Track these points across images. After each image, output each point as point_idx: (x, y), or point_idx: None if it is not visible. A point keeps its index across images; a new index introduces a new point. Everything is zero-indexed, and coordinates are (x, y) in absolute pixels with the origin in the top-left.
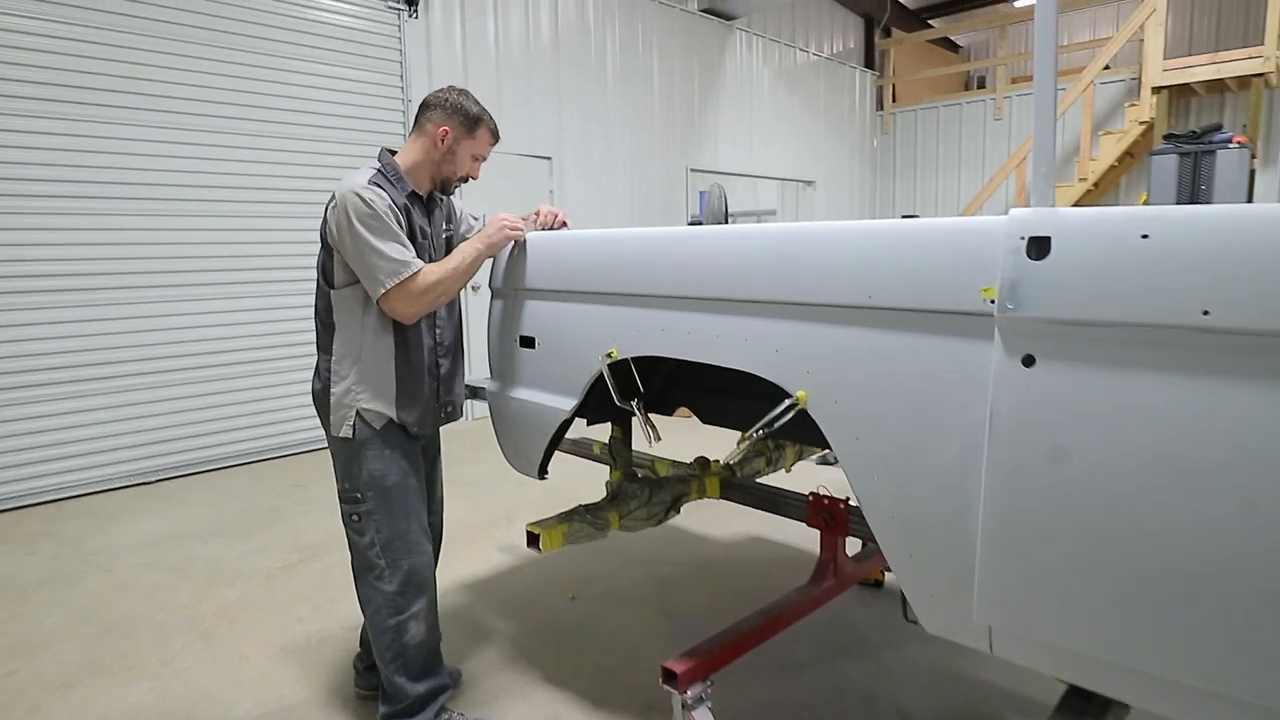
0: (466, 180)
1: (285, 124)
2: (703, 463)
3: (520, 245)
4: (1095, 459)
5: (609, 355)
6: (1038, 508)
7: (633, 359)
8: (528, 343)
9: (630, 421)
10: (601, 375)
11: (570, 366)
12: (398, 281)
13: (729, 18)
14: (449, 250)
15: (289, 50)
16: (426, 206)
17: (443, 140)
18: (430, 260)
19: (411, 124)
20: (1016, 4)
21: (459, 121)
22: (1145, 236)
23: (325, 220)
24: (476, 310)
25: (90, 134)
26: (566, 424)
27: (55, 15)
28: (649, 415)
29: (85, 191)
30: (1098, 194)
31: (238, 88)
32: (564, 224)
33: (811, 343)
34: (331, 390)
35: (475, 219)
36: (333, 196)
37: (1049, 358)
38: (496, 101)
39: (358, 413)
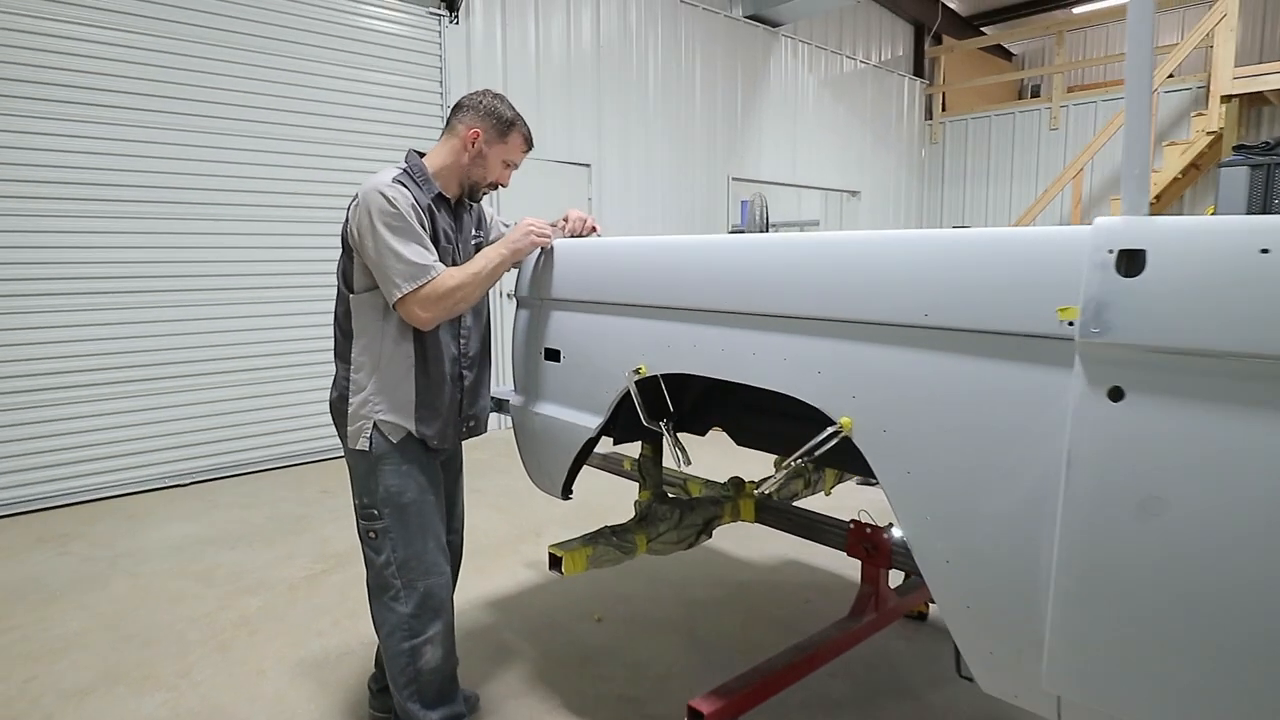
0: (496, 187)
1: (324, 129)
2: (737, 484)
3: (547, 252)
4: (1196, 512)
5: (637, 371)
6: (1125, 565)
7: (663, 376)
8: (552, 356)
9: (661, 440)
10: (629, 392)
11: (596, 382)
12: (415, 286)
13: (774, 24)
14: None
15: (328, 55)
16: (454, 211)
17: (473, 143)
18: (449, 250)
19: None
20: (1076, 10)
21: (491, 125)
22: (1265, 251)
23: (347, 220)
24: (509, 317)
25: (133, 139)
26: (592, 442)
27: (100, 21)
28: (679, 436)
29: (126, 195)
30: (1159, 207)
31: (277, 93)
32: (594, 230)
33: (859, 364)
34: (349, 400)
35: (507, 226)
36: (356, 196)
37: (1141, 391)
38: (536, 107)
39: (375, 425)
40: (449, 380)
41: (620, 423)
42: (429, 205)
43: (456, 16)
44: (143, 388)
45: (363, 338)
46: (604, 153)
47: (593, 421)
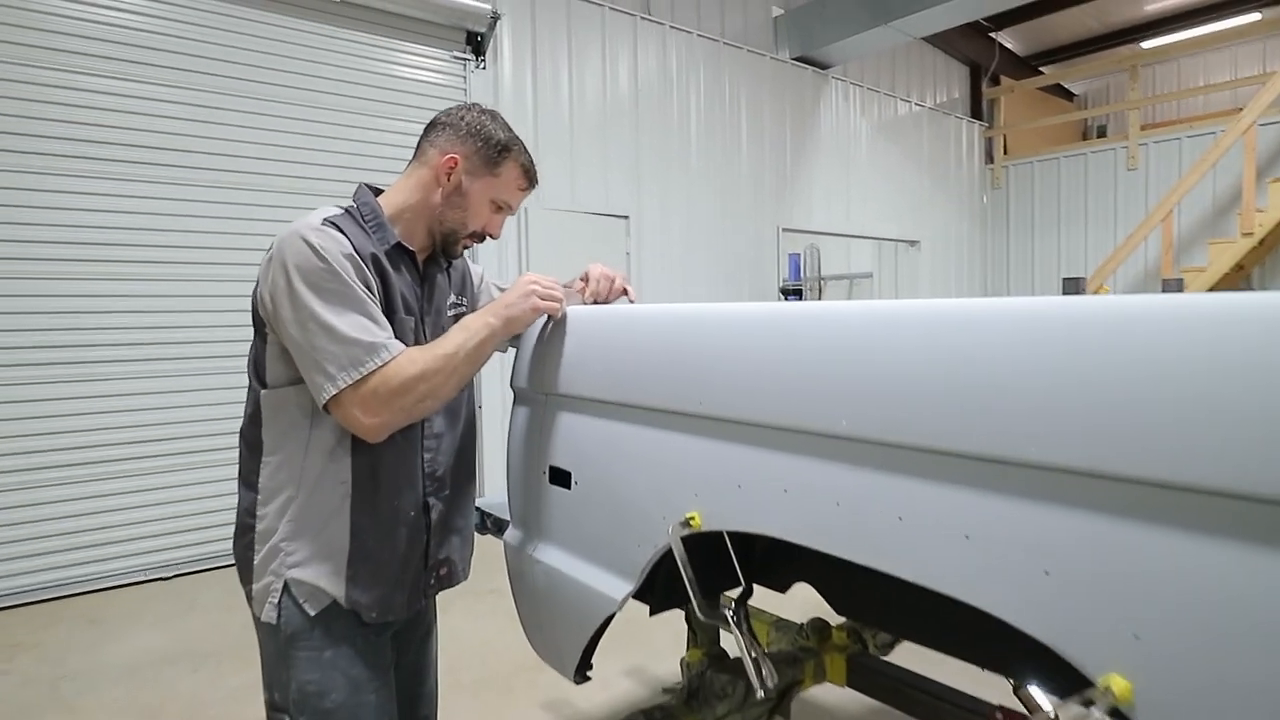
0: (483, 239)
1: (341, 181)
2: (819, 628)
3: (556, 323)
4: None
5: (687, 523)
6: None
7: (731, 533)
8: (561, 478)
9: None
10: (671, 552)
11: (623, 527)
12: (356, 378)
13: (823, 66)
14: None
15: (344, 104)
16: (421, 270)
17: (448, 174)
18: (415, 320)
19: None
20: (1145, 45)
21: (475, 149)
22: None
23: (257, 284)
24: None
25: (143, 195)
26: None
27: (130, 74)
28: (754, 637)
29: (114, 255)
30: (1263, 251)
31: (289, 143)
32: (625, 293)
33: (1145, 570)
34: (253, 548)
35: (501, 290)
36: (270, 248)
37: None
38: (569, 156)
39: (286, 587)
40: (405, 518)
41: (660, 582)
42: (377, 257)
43: (483, 61)
44: (121, 468)
45: (277, 453)
46: (643, 204)
47: (618, 588)
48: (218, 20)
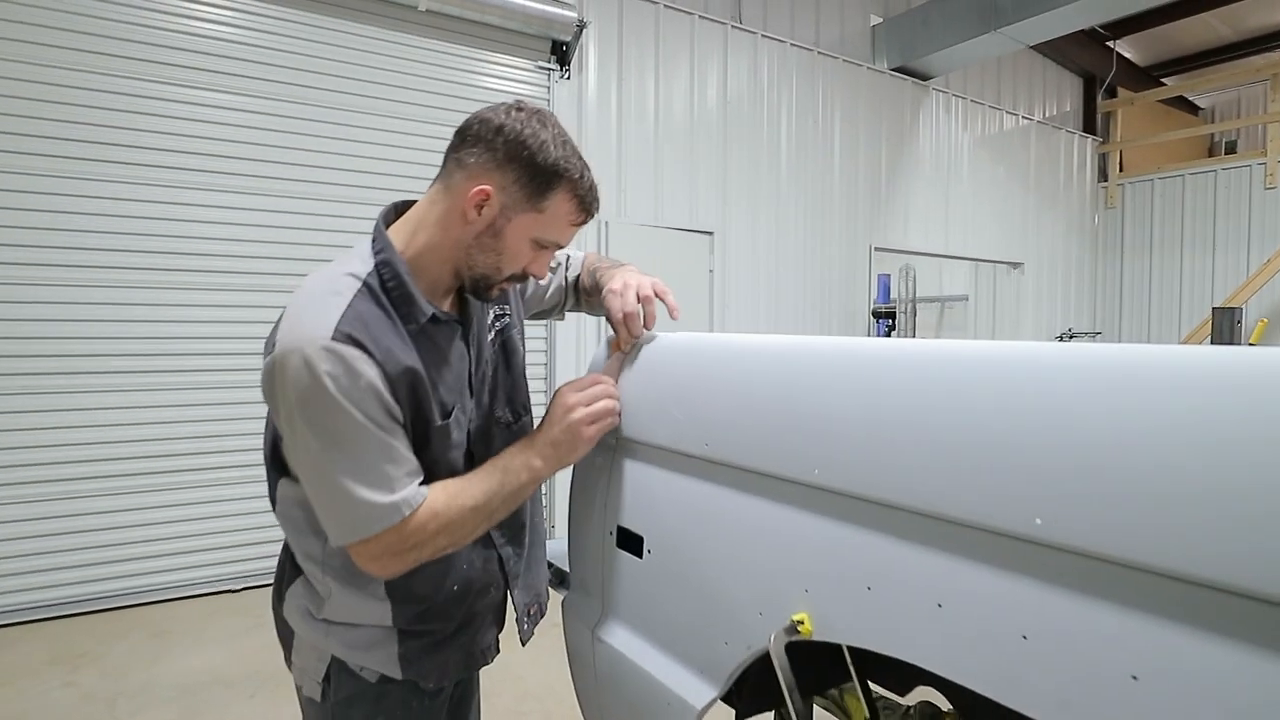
0: (525, 278)
1: (419, 194)
2: (930, 715)
3: (629, 350)
4: None
5: (794, 628)
6: None
7: (850, 646)
8: (630, 543)
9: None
10: (767, 656)
11: (707, 618)
12: (367, 536)
13: (924, 77)
14: (502, 363)
15: (424, 114)
16: (459, 307)
17: (479, 208)
18: (460, 403)
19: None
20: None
21: (514, 177)
22: None
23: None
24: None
25: (196, 202)
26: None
27: (207, 84)
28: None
29: (190, 265)
30: None
31: (367, 154)
32: (668, 304)
33: None
34: (286, 616)
35: (554, 267)
36: (269, 346)
37: None
38: (654, 169)
39: (335, 662)
40: (474, 584)
41: (749, 681)
42: (413, 370)
43: (568, 71)
44: (198, 478)
45: (302, 538)
46: (729, 219)
47: (698, 693)
48: (298, 29)
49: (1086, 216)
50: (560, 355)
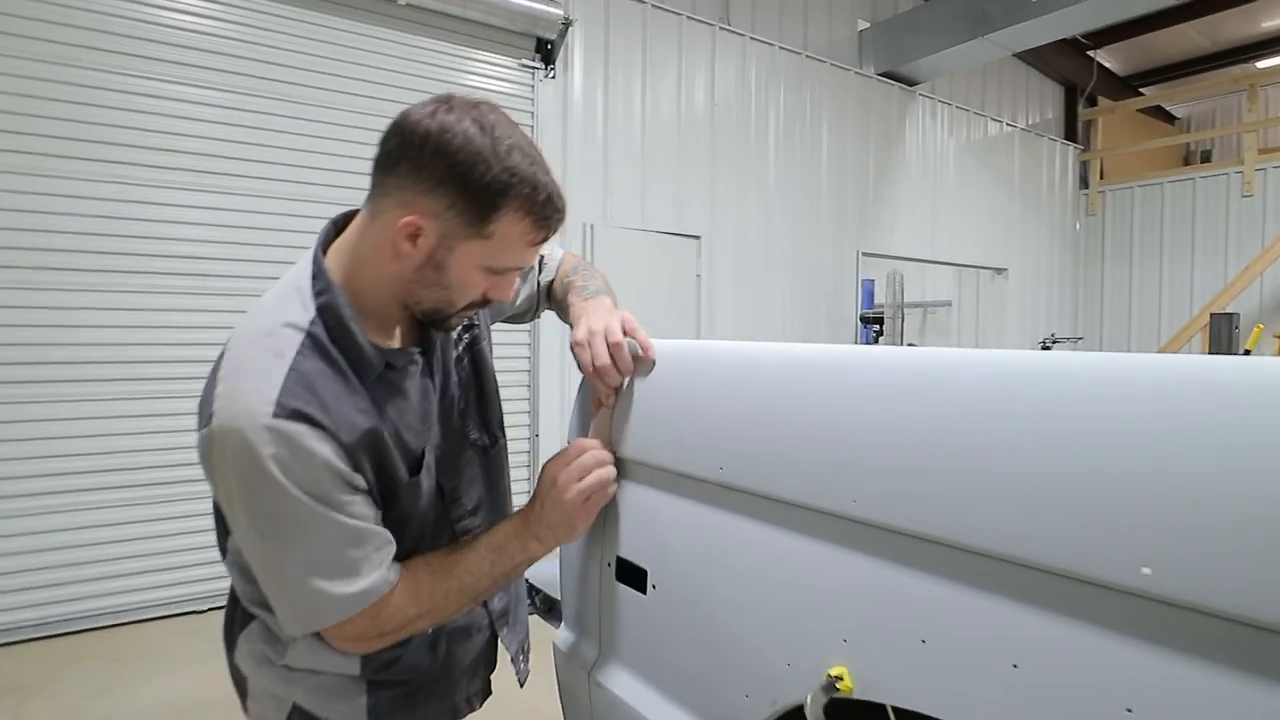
0: (486, 303)
1: None
2: None
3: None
4: None
5: (833, 685)
6: None
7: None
8: (631, 576)
9: None
10: (794, 713)
11: (724, 665)
12: (332, 624)
13: (911, 83)
14: (473, 382)
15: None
16: (420, 340)
17: (412, 239)
18: (429, 443)
19: None
20: (1260, 65)
21: (449, 202)
22: None
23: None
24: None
25: (180, 202)
26: None
27: (180, 77)
28: None
29: (156, 268)
30: None
31: (345, 152)
32: (639, 348)
33: None
34: (238, 662)
35: (526, 272)
36: (204, 418)
37: None
38: (640, 172)
39: (296, 711)
40: (446, 633)
41: None
42: (374, 431)
43: (553, 70)
44: (155, 493)
45: (255, 601)
46: (716, 224)
47: None
48: (276, 22)
49: (1068, 223)
50: (543, 362)
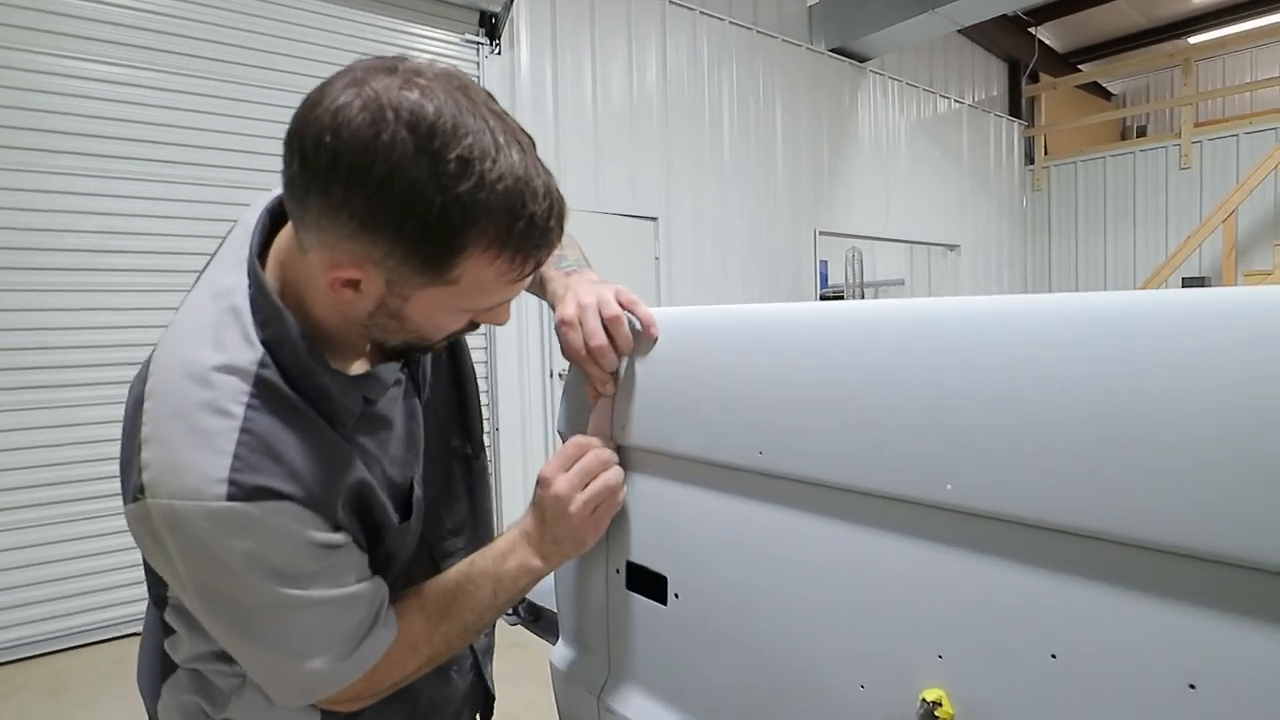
0: (476, 327)
1: None
2: None
3: (635, 339)
4: None
5: (931, 709)
6: None
7: None
8: (646, 584)
9: None
10: None
11: (779, 693)
12: (326, 696)
13: (862, 59)
14: (451, 380)
15: None
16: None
17: (353, 288)
18: (418, 474)
19: None
20: (1192, 40)
21: (388, 249)
22: None
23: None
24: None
25: (122, 193)
26: None
27: (128, 60)
28: None
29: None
30: None
31: (276, 134)
32: (638, 321)
33: None
34: (162, 715)
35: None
36: (128, 476)
37: None
38: (594, 153)
39: None
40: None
41: None
42: (362, 483)
43: (499, 46)
44: (96, 506)
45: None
46: (673, 204)
47: None
48: None
49: (1015, 199)
50: (500, 345)
